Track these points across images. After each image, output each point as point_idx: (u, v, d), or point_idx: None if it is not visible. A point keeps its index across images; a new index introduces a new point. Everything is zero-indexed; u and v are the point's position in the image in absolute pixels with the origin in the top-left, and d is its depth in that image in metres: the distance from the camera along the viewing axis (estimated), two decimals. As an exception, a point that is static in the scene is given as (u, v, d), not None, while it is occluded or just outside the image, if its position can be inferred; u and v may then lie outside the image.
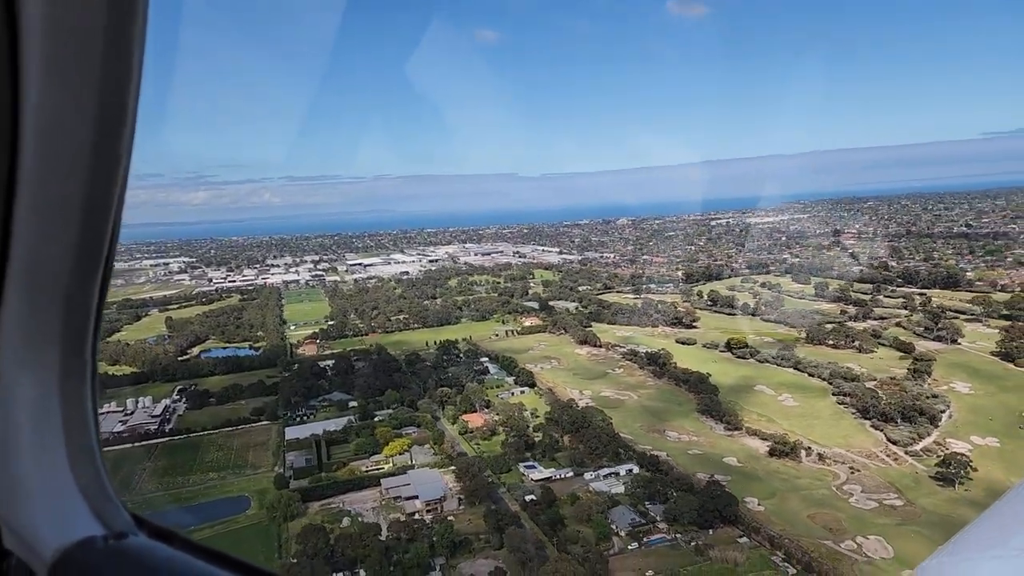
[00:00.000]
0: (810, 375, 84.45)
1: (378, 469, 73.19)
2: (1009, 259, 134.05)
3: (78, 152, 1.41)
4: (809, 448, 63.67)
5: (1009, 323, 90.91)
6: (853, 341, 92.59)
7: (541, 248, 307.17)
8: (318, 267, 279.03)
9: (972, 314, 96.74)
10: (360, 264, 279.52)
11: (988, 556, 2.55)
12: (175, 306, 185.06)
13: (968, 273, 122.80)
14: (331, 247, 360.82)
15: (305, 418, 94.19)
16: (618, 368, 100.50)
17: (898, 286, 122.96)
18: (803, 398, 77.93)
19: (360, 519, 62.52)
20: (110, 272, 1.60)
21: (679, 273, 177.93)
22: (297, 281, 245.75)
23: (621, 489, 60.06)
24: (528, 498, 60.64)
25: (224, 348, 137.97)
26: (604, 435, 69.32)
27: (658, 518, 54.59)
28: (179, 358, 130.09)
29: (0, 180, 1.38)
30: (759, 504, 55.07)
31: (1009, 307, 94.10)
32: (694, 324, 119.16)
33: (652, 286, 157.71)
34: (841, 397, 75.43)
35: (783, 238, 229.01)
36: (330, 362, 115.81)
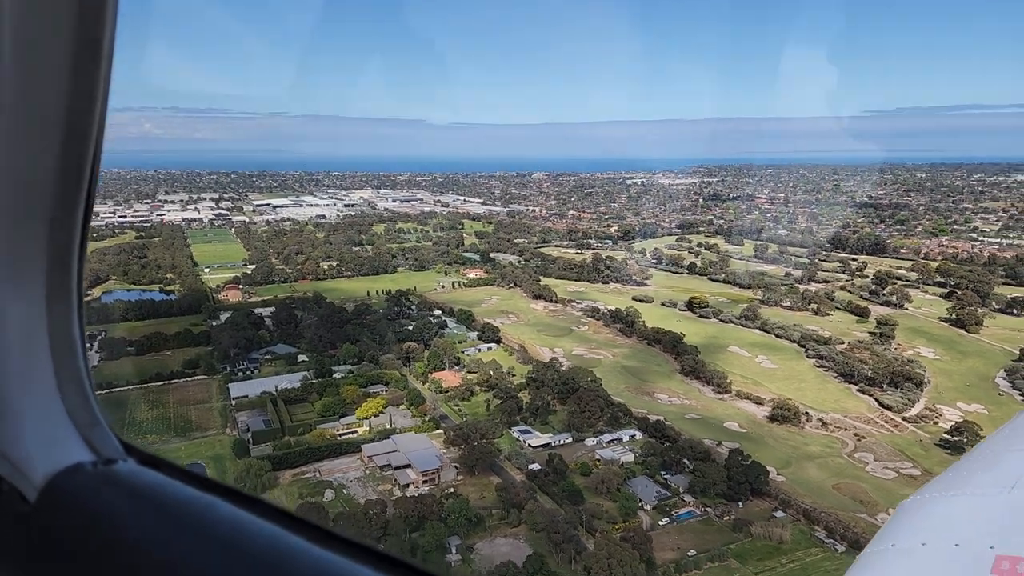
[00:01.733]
0: (777, 336, 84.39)
1: (352, 433, 65.00)
2: (919, 229, 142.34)
3: (56, 71, 1.39)
4: (807, 413, 62.73)
5: (946, 290, 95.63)
6: (809, 303, 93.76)
7: (462, 198, 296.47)
8: (220, 206, 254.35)
9: (908, 280, 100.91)
10: (268, 205, 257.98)
11: (951, 495, 3.12)
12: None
13: (887, 241, 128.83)
14: (229, 185, 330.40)
15: (249, 373, 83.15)
16: (582, 325, 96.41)
17: (827, 251, 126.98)
18: (780, 360, 77.52)
19: (345, 491, 54.73)
20: (94, 194, 1.60)
21: (612, 229, 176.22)
22: (200, 220, 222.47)
23: (631, 457, 56.16)
24: (532, 467, 55.33)
25: (129, 291, 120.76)
26: (597, 397, 64.93)
27: (681, 490, 51.20)
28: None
29: None
30: (778, 474, 53.08)
31: (943, 275, 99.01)
32: (645, 281, 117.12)
33: (592, 241, 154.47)
34: (818, 360, 75.64)
35: (700, 200, 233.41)
36: (267, 311, 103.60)
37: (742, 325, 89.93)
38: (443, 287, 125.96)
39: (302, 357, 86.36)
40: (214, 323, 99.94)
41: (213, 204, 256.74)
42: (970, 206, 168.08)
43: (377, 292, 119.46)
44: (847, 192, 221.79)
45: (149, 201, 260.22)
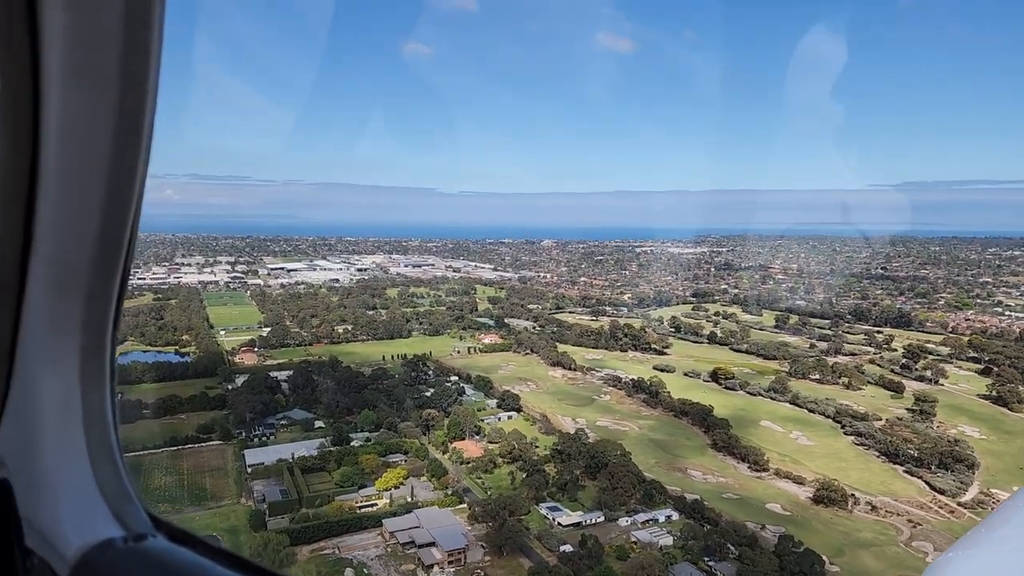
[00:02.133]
0: (810, 411, 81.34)
1: (371, 506, 61.76)
2: (941, 302, 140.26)
3: (97, 152, 1.41)
4: (854, 496, 59.26)
5: (980, 366, 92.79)
6: (839, 377, 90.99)
7: (473, 264, 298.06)
8: (236, 269, 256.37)
9: (940, 355, 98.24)
10: (283, 268, 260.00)
11: (982, 554, 2.66)
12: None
13: (912, 314, 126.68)
14: (244, 249, 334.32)
15: (264, 439, 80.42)
16: (603, 395, 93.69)
17: (849, 323, 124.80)
18: (816, 436, 74.29)
19: (365, 571, 51.24)
20: (129, 269, 1.58)
21: (625, 297, 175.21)
22: (216, 282, 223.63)
23: (669, 540, 52.61)
24: (564, 548, 51.86)
25: (145, 352, 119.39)
26: (628, 473, 61.80)
27: (726, 576, 47.64)
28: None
29: (22, 179, 1.37)
30: (831, 563, 49.34)
31: (976, 350, 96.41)
32: (666, 350, 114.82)
33: (607, 308, 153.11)
34: (856, 437, 72.40)
35: (712, 269, 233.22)
36: (283, 374, 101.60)
37: (771, 398, 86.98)
38: (458, 352, 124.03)
39: (319, 423, 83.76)
40: (229, 386, 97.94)
41: (229, 267, 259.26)
42: (990, 280, 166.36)
43: (393, 357, 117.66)
44: (861, 264, 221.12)
45: (167, 264, 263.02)
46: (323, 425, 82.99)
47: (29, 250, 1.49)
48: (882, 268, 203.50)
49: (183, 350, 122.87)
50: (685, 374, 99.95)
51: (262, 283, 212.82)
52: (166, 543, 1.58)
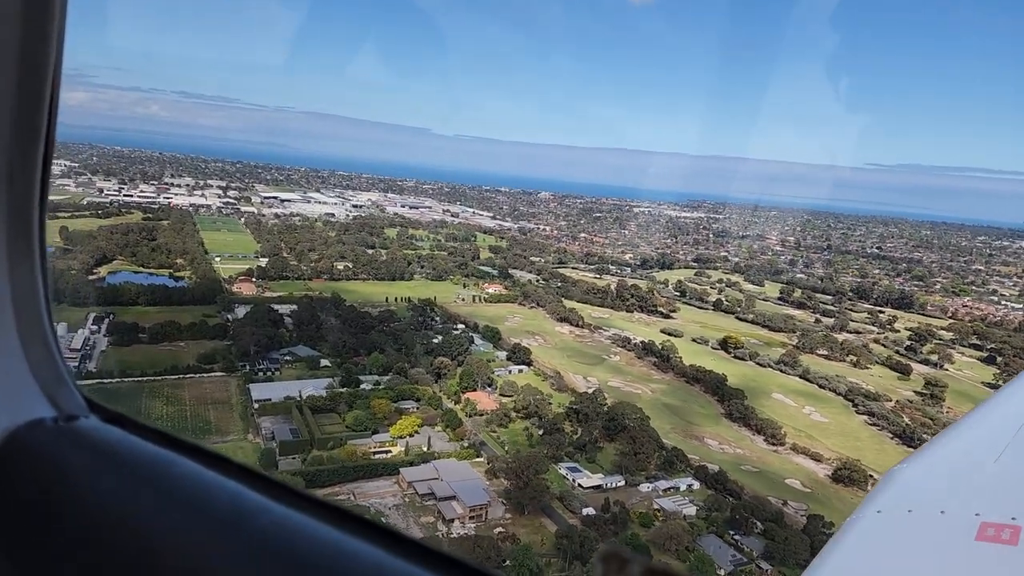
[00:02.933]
0: (820, 387, 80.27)
1: (386, 452, 59.51)
2: (937, 286, 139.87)
3: (6, 19, 1.30)
4: (872, 476, 58.48)
5: (983, 354, 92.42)
6: (847, 354, 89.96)
7: (471, 210, 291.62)
8: (227, 194, 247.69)
9: (941, 340, 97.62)
10: (276, 198, 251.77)
11: (938, 462, 3.26)
12: (65, 214, 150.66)
13: (912, 297, 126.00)
14: (234, 174, 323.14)
15: (269, 374, 77.37)
16: (613, 355, 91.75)
17: (851, 300, 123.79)
18: (829, 413, 73.33)
19: (384, 520, 49.29)
20: (52, 143, 1.50)
21: (627, 256, 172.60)
22: (208, 207, 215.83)
23: (692, 511, 51.20)
24: (587, 511, 50.26)
25: (136, 273, 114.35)
26: (648, 438, 60.11)
27: (755, 554, 46.43)
28: (88, 278, 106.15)
29: None
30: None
31: (979, 337, 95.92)
32: (672, 314, 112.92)
33: (611, 268, 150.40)
34: (869, 417, 71.52)
35: (710, 235, 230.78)
36: (284, 308, 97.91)
37: (780, 371, 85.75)
38: (463, 300, 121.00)
39: (324, 361, 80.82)
40: (229, 316, 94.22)
41: (220, 192, 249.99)
42: (982, 268, 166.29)
43: (397, 299, 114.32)
44: (856, 241, 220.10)
45: (155, 183, 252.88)
46: (329, 364, 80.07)
47: None
48: (877, 248, 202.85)
49: (177, 274, 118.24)
50: (693, 340, 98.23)
51: (255, 211, 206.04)
52: (99, 423, 1.53)
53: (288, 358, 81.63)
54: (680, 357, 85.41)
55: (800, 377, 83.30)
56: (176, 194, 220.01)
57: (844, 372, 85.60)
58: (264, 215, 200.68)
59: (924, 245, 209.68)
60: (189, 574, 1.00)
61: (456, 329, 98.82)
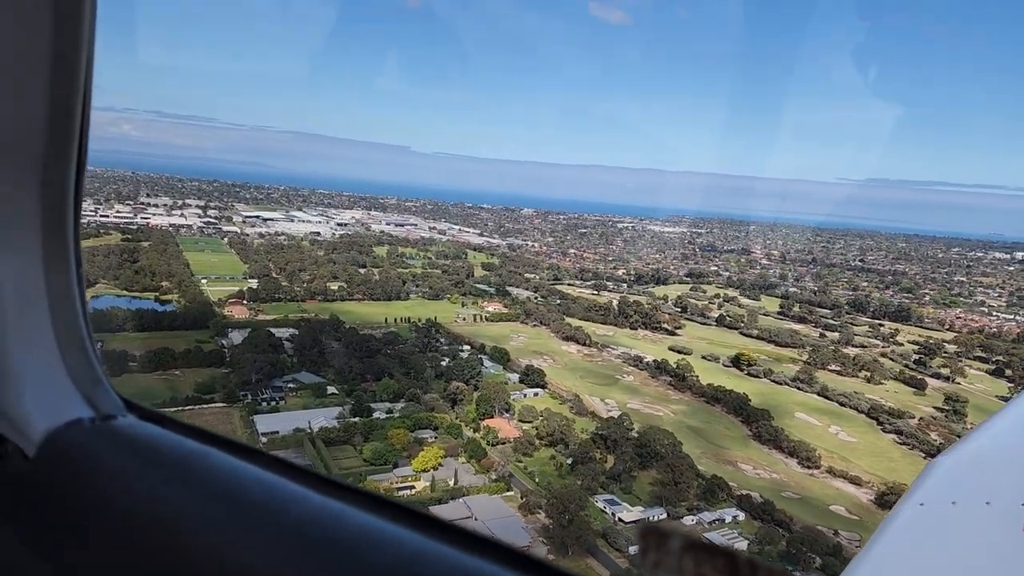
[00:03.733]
0: (841, 404, 78.03)
1: (409, 488, 55.19)
2: (927, 298, 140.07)
3: (39, 10, 1.29)
4: (918, 499, 55.78)
5: (990, 366, 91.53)
6: (860, 369, 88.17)
7: (457, 227, 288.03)
8: (207, 213, 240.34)
9: (947, 353, 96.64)
10: (258, 217, 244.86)
11: (982, 452, 3.11)
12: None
13: (909, 308, 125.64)
14: (212, 193, 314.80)
15: (274, 403, 72.39)
16: (626, 375, 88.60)
17: (849, 313, 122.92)
18: (856, 432, 70.96)
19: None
20: (86, 149, 1.50)
21: (620, 272, 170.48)
22: (189, 226, 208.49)
23: (744, 545, 47.90)
24: (633, 550, 46.57)
25: (119, 297, 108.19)
26: (685, 466, 56.81)
27: (821, 590, 43.32)
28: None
29: None
30: None
31: (984, 350, 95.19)
32: (677, 331, 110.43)
33: (608, 283, 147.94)
34: (897, 436, 69.31)
35: (697, 250, 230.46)
36: (282, 331, 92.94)
37: (797, 388, 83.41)
38: (463, 319, 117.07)
39: (331, 389, 76.13)
40: (223, 341, 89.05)
41: (200, 211, 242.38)
42: (964, 279, 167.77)
43: (396, 320, 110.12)
44: (838, 254, 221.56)
45: (131, 203, 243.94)
46: (336, 391, 75.47)
47: None
48: (860, 260, 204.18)
49: (164, 298, 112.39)
50: (703, 357, 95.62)
51: (238, 231, 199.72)
52: (136, 422, 1.54)
53: (292, 386, 76.78)
54: (697, 376, 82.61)
55: (818, 395, 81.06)
56: (154, 214, 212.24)
57: (859, 388, 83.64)
58: (248, 234, 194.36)
59: (904, 257, 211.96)
60: (229, 565, 0.99)
61: (462, 350, 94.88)
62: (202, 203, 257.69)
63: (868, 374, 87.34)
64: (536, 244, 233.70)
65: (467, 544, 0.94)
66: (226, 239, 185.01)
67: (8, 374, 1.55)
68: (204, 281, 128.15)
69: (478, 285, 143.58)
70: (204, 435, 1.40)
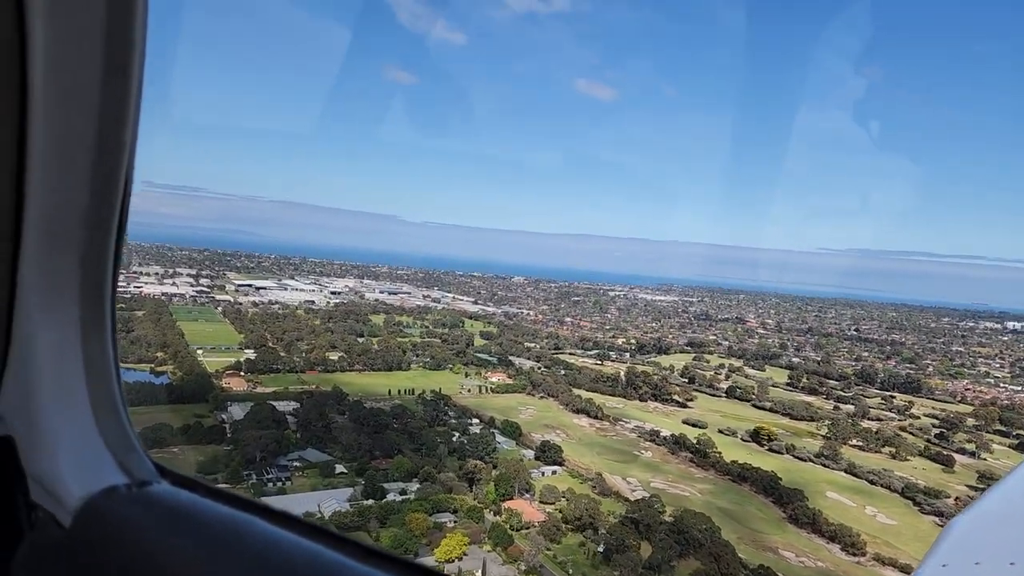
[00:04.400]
0: (871, 482, 74.75)
1: (434, 582, 50.56)
2: (930, 369, 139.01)
3: (85, 95, 1.35)
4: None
5: (1012, 440, 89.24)
6: (883, 445, 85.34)
7: (451, 295, 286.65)
8: (199, 282, 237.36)
9: (968, 428, 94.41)
10: (250, 286, 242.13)
11: (1006, 510, 3.03)
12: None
13: (919, 380, 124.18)
14: (203, 262, 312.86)
15: (281, 483, 67.62)
16: (644, 451, 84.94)
17: (858, 384, 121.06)
18: (893, 514, 67.48)
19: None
20: (126, 220, 1.53)
21: (619, 341, 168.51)
22: (182, 296, 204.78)
23: (806, 643, 43.82)
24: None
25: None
26: (726, 554, 52.90)
27: None
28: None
29: (10, 129, 1.35)
30: None
31: (1004, 423, 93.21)
32: (688, 403, 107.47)
33: (611, 353, 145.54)
34: (938, 518, 65.92)
35: (690, 318, 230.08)
36: (283, 404, 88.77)
37: (823, 465, 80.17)
38: (468, 390, 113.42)
39: (339, 467, 71.68)
40: (223, 416, 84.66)
41: (192, 280, 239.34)
42: (962, 349, 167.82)
43: (400, 391, 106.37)
44: (831, 323, 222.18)
45: (123, 271, 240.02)
46: (345, 470, 71.06)
47: (22, 201, 1.43)
48: (855, 330, 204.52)
49: (159, 369, 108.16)
50: (720, 431, 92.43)
51: (231, 299, 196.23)
52: (171, 488, 1.52)
53: (298, 464, 72.21)
54: (719, 452, 79.27)
55: (845, 472, 77.80)
56: (146, 283, 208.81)
57: (885, 464, 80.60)
58: (241, 303, 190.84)
59: (898, 327, 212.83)
60: None
61: (472, 423, 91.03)
62: (194, 272, 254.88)
63: (892, 450, 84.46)
64: (531, 312, 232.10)
65: None
66: (220, 308, 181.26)
67: (44, 439, 1.53)
68: (200, 351, 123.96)
69: (479, 354, 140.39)
70: (239, 501, 1.36)
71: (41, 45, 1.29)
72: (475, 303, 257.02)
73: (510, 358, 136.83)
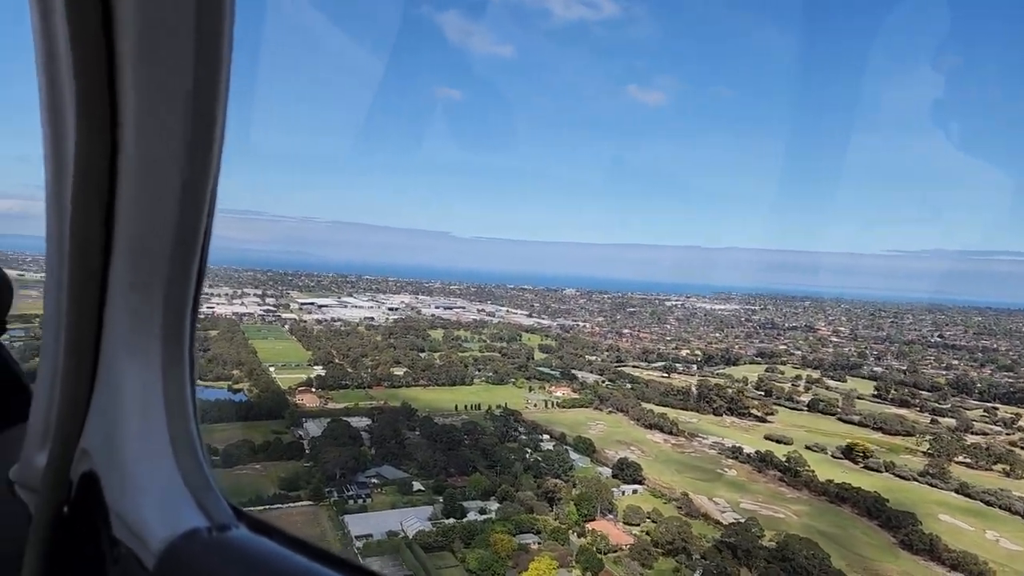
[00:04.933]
0: (987, 503, 68.46)
1: (529, 611, 48.49)
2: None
3: (173, 137, 1.39)
4: None
5: None
6: (995, 462, 78.40)
7: (504, 308, 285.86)
8: (266, 301, 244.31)
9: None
10: (313, 304, 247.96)
11: None
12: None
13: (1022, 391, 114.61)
14: (267, 283, 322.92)
15: (361, 501, 67.10)
16: (727, 469, 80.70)
17: (955, 396, 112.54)
18: (1019, 539, 61.40)
19: None
20: (206, 260, 1.57)
21: (683, 352, 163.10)
22: (251, 315, 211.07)
23: None
24: None
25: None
26: (836, 581, 48.74)
27: None
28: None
29: (102, 172, 1.40)
30: None
31: None
32: (768, 418, 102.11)
33: (677, 365, 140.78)
34: (1072, 543, 59.70)
35: (755, 327, 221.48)
36: (355, 420, 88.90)
37: (929, 484, 74.09)
38: (535, 405, 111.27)
39: (416, 484, 70.68)
40: (299, 432, 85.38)
41: (259, 300, 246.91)
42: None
43: (466, 407, 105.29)
44: (911, 329, 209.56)
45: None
46: (422, 487, 70.00)
47: (111, 242, 1.48)
48: (939, 336, 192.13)
49: (236, 387, 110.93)
50: (807, 447, 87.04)
51: (296, 317, 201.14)
52: (250, 534, 1.53)
53: (375, 481, 71.68)
54: (812, 471, 74.35)
55: (957, 492, 71.53)
56: (218, 303, 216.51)
57: (999, 483, 73.82)
58: (306, 321, 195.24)
59: (986, 332, 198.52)
60: None
61: (542, 439, 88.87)
62: (259, 292, 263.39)
63: (1006, 467, 77.39)
64: (586, 324, 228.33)
65: None
66: (286, 326, 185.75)
67: (127, 476, 1.54)
68: (272, 368, 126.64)
69: (541, 368, 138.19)
70: (311, 550, 1.35)
71: (131, 85, 1.31)
72: (529, 316, 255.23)
73: (572, 371, 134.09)
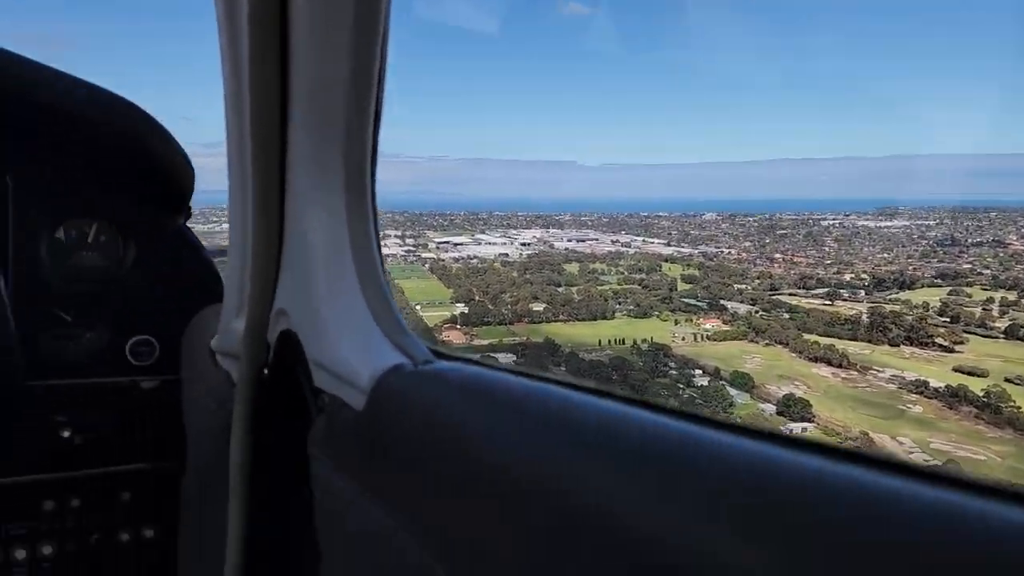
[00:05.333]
0: None
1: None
2: None
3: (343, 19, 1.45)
4: None
5: None
6: None
7: (640, 238, 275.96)
8: (406, 242, 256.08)
9: None
10: (448, 243, 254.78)
11: None
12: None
13: None
14: (405, 224, 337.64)
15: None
16: (910, 405, 72.79)
17: None
18: None
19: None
20: (382, 102, 1.60)
21: (846, 277, 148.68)
22: (394, 255, 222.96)
23: None
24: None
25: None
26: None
27: None
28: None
29: (273, 34, 1.45)
30: None
31: None
32: (956, 347, 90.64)
33: (842, 291, 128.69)
34: None
35: (931, 245, 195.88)
36: (507, 357, 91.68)
37: None
38: (683, 339, 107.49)
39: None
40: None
41: (399, 240, 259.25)
42: None
43: (610, 341, 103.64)
44: None
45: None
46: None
47: (287, 91, 1.54)
48: None
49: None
50: (1008, 380, 76.23)
51: (435, 256, 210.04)
52: (452, 364, 1.56)
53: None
54: (1018, 407, 65.11)
55: None
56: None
57: None
58: (444, 259, 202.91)
59: None
60: (574, 497, 0.96)
61: (695, 375, 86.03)
62: (399, 233, 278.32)
63: None
64: (732, 251, 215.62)
65: (865, 462, 0.72)
66: (427, 265, 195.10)
67: (324, 328, 1.60)
68: (418, 307, 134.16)
69: (686, 300, 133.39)
70: (521, 373, 1.35)
71: None
72: (667, 245, 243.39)
73: (721, 302, 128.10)
